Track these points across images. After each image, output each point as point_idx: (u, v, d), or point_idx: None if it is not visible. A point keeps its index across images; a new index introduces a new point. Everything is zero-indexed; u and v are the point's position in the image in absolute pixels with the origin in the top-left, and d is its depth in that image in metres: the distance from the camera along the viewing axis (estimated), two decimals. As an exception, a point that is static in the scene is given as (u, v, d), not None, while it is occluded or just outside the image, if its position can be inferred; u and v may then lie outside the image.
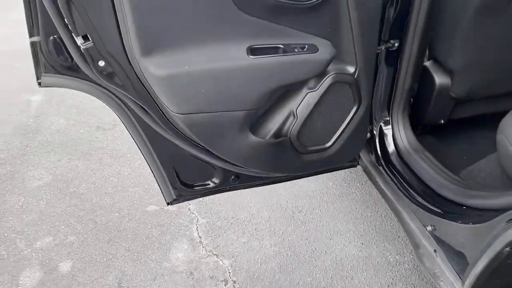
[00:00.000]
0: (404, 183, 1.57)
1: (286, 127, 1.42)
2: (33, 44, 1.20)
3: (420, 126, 1.81)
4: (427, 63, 1.69)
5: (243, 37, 1.22)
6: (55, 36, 1.16)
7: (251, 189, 1.68)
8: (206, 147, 1.37)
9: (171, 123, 1.32)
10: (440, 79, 1.63)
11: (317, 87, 1.37)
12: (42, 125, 2.93)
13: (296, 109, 1.39)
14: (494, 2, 1.41)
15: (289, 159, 1.49)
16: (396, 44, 1.51)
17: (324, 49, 1.31)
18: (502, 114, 1.40)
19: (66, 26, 1.09)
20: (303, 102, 1.38)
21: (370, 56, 1.40)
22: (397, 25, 1.47)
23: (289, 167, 1.54)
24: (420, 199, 1.47)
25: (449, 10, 1.50)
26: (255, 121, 1.37)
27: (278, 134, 1.43)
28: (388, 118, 1.68)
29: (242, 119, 1.30)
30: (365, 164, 1.75)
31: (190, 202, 2.23)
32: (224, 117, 1.27)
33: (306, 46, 1.29)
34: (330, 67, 1.36)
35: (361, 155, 1.79)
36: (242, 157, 1.40)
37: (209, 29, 1.18)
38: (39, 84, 1.24)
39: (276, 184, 1.74)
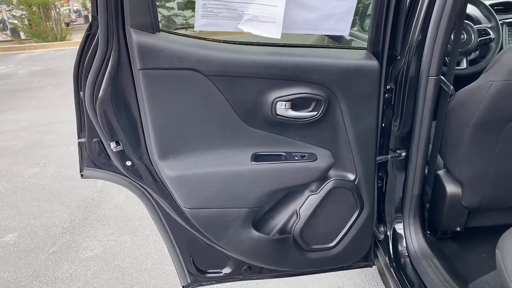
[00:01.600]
0: None
1: (289, 225, 1.55)
2: (79, 144, 1.49)
3: (439, 232, 1.83)
4: (440, 172, 1.75)
5: (248, 146, 1.42)
6: (96, 139, 1.44)
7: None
8: (212, 239, 1.53)
9: (184, 214, 1.51)
10: (450, 188, 1.68)
11: (319, 191, 1.51)
12: (104, 199, 3.29)
13: (299, 209, 1.52)
14: (491, 121, 1.49)
15: (293, 255, 1.59)
16: (403, 154, 1.62)
17: (323, 158, 1.46)
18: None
19: (103, 133, 1.37)
20: (305, 203, 1.52)
21: (369, 165, 1.52)
22: (403, 136, 1.59)
23: (294, 263, 1.64)
24: None
25: (451, 124, 1.60)
26: (259, 218, 1.52)
27: (282, 231, 1.55)
28: (401, 222, 1.74)
29: (244, 215, 1.46)
30: (380, 265, 1.79)
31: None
32: (228, 212, 1.44)
33: (306, 155, 1.46)
34: (331, 173, 1.50)
35: (378, 255, 1.84)
36: (245, 251, 1.53)
37: (217, 139, 1.40)
38: (82, 176, 1.51)
39: (303, 277, 1.78)
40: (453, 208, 1.70)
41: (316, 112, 1.40)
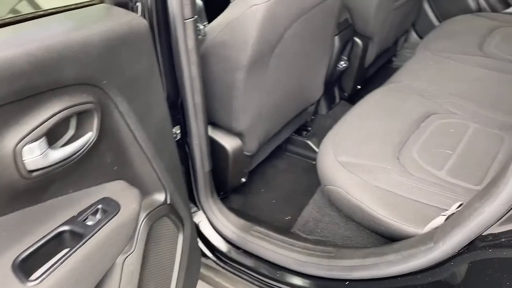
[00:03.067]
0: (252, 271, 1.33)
1: None
2: None
3: (222, 192, 1.60)
4: (214, 134, 1.46)
5: None
6: None
7: None
8: None
9: None
10: (231, 145, 1.44)
11: (133, 248, 0.94)
12: None
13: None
14: (261, 56, 1.27)
15: None
16: (178, 132, 1.22)
17: (124, 199, 0.88)
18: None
19: None
20: (124, 275, 0.92)
21: (176, 167, 1.05)
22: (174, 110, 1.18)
23: None
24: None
25: (216, 73, 1.29)
26: None
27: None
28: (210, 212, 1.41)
29: None
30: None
31: None
32: None
33: (99, 207, 0.83)
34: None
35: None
36: None
37: None
38: None
39: None
40: (238, 164, 1.49)
41: (91, 133, 0.79)
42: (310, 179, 1.93)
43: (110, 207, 0.86)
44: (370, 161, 1.32)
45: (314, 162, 2.00)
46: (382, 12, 1.94)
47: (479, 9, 2.38)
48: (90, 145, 0.81)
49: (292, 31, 1.37)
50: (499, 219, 0.82)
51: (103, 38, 0.79)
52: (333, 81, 2.05)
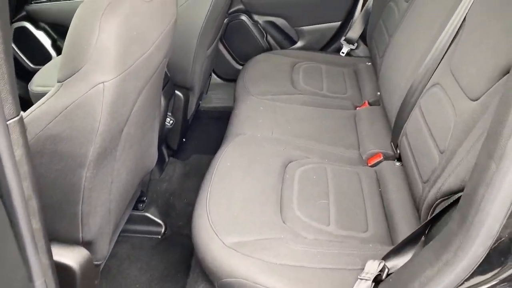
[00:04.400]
0: None
1: None
2: None
3: None
4: None
5: None
6: None
7: None
8: None
9: None
10: (75, 260, 1.11)
11: None
12: None
13: None
14: (110, 144, 0.99)
15: None
16: None
17: None
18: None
19: None
20: None
21: None
22: None
23: None
24: None
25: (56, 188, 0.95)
26: None
27: None
28: None
29: None
30: None
31: None
32: None
33: None
34: None
35: None
36: None
37: None
38: None
39: None
40: (87, 280, 1.18)
41: None
42: (165, 260, 1.65)
43: None
44: (260, 234, 1.16)
45: (159, 237, 1.75)
46: (199, 62, 1.82)
47: (270, 47, 2.53)
48: None
49: (138, 103, 1.10)
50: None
51: None
52: (161, 141, 1.82)
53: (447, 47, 1.30)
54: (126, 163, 1.23)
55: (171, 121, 1.78)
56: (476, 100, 1.02)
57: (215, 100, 2.56)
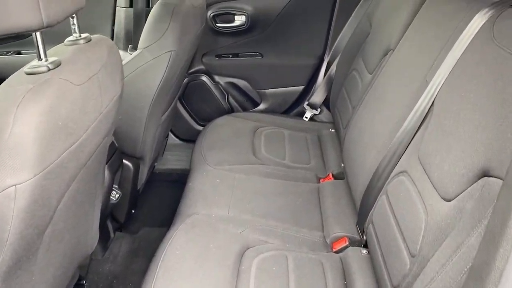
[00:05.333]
0: None
1: None
2: None
3: None
4: None
5: None
6: None
7: None
8: None
9: None
10: None
11: None
12: None
13: None
14: (24, 252, 0.81)
15: None
16: None
17: None
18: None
19: None
20: None
21: None
22: None
23: None
24: None
25: None
26: None
27: None
28: None
29: None
30: None
31: None
32: None
33: None
34: None
35: None
36: None
37: None
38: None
39: None
40: None
41: None
42: None
43: None
44: None
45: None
46: (151, 130, 1.68)
47: (231, 109, 2.43)
48: None
49: (67, 197, 0.94)
50: None
51: None
52: (104, 216, 1.63)
53: (414, 131, 1.22)
54: (54, 260, 1.04)
55: (118, 195, 1.61)
56: (450, 201, 0.92)
57: (172, 161, 2.41)
